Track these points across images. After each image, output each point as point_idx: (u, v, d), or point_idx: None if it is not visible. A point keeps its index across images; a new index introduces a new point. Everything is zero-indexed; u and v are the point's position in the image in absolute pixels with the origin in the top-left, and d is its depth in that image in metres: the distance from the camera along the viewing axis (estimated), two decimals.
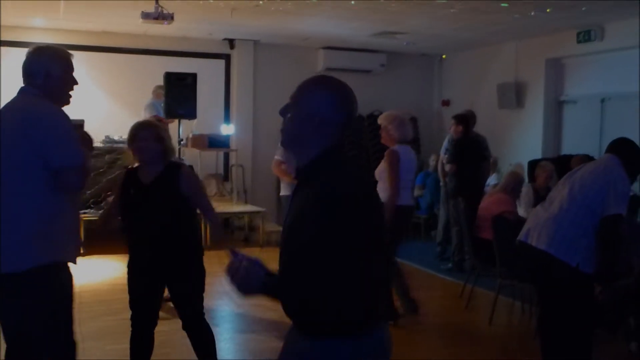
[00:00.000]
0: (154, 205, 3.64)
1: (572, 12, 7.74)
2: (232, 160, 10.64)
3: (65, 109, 3.12)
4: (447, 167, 8.00)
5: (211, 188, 9.89)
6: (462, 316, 6.21)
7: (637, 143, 4.10)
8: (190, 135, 9.20)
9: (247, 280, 1.98)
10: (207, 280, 3.91)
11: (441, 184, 8.61)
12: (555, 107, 9.85)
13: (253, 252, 2.27)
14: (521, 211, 6.58)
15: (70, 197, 3.10)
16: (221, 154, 10.35)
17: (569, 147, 9.33)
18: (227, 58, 10.91)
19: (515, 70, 10.16)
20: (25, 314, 2.97)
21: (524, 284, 5.60)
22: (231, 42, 10.75)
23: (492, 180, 8.88)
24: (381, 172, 5.40)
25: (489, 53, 10.72)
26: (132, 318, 3.82)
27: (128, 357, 3.87)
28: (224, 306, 6.22)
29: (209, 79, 10.15)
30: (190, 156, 8.95)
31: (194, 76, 8.68)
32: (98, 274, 7.36)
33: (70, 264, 3.15)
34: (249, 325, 5.83)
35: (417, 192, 10.06)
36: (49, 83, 3.06)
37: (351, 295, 1.94)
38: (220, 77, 10.91)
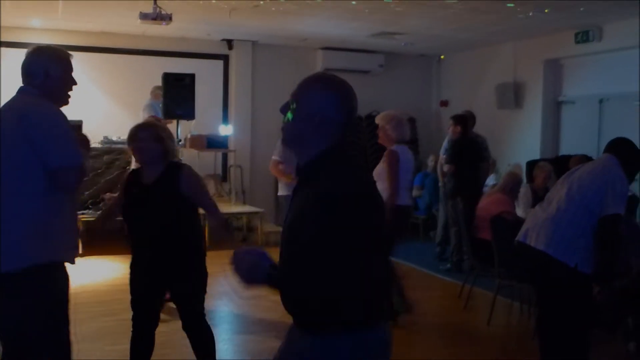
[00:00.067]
0: (155, 206, 3.64)
1: (570, 12, 7.75)
2: (231, 161, 10.65)
3: (64, 109, 3.12)
4: (446, 168, 8.00)
5: (209, 188, 9.88)
6: (460, 316, 6.21)
7: (636, 143, 4.11)
8: (189, 136, 9.20)
9: (253, 270, 1.99)
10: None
11: (440, 184, 8.61)
12: (554, 108, 9.86)
13: None
14: (520, 211, 6.59)
15: (68, 197, 3.10)
16: (219, 154, 10.34)
17: (567, 148, 9.34)
18: (225, 59, 10.91)
19: (513, 71, 10.17)
20: (21, 314, 2.96)
21: (523, 284, 5.60)
22: (229, 43, 10.75)
23: (490, 180, 8.88)
24: (380, 172, 5.40)
25: (487, 53, 10.73)
26: (133, 318, 3.82)
27: (127, 358, 3.87)
28: (223, 307, 6.22)
29: (207, 79, 10.16)
30: (188, 157, 8.94)
31: (192, 77, 8.68)
32: (97, 275, 7.35)
33: (68, 265, 3.15)
34: (248, 326, 5.82)
35: (415, 193, 10.07)
36: (48, 83, 3.06)
37: (351, 293, 1.95)
38: (219, 77, 10.91)
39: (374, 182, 2.14)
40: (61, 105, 3.11)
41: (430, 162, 10.30)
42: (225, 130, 10.18)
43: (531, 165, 8.01)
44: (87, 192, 8.27)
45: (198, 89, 8.75)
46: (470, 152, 7.78)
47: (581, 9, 7.56)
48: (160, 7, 7.23)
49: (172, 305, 3.95)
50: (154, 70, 9.27)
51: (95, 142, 8.82)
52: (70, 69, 3.18)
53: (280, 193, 7.06)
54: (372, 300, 2.05)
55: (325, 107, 2.04)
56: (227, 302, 6.38)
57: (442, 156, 8.41)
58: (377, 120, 5.67)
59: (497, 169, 9.58)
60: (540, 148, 9.73)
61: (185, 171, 3.71)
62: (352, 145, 10.79)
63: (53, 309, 3.07)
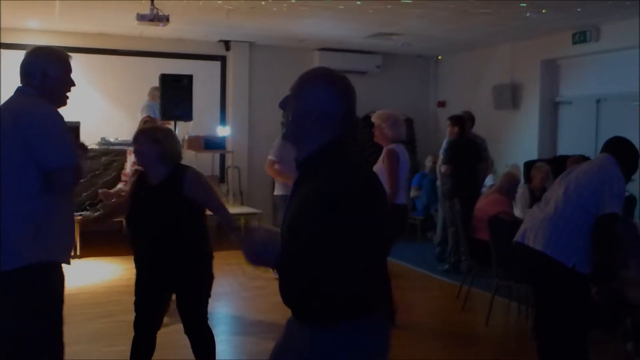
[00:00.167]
0: (159, 208, 3.66)
1: (567, 13, 7.75)
2: (228, 162, 10.64)
3: (61, 110, 3.11)
4: (443, 169, 8.00)
5: None
6: (458, 317, 6.21)
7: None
8: (186, 137, 9.20)
9: (263, 251, 1.98)
10: None
11: (438, 183, 8.61)
12: (551, 108, 9.87)
13: None
14: (517, 212, 6.59)
15: (65, 198, 3.10)
16: (217, 155, 10.34)
17: (564, 148, 9.35)
18: (222, 60, 10.91)
19: (510, 72, 10.18)
20: (17, 313, 2.97)
21: (521, 285, 5.61)
22: (227, 44, 10.74)
23: (489, 181, 8.89)
24: (378, 171, 5.38)
25: (484, 54, 10.74)
26: (135, 320, 3.80)
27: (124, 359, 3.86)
28: (221, 308, 6.21)
29: (204, 80, 10.15)
30: (186, 158, 8.91)
31: (189, 78, 8.68)
32: (94, 276, 7.34)
33: (65, 265, 3.15)
34: (245, 327, 5.82)
35: (413, 193, 10.08)
36: (47, 83, 3.06)
37: (352, 286, 1.95)
38: (216, 78, 10.91)
39: (375, 176, 2.12)
40: (59, 106, 3.11)
41: (428, 162, 10.30)
42: (223, 131, 10.19)
43: (529, 165, 8.01)
44: (84, 194, 8.26)
45: (195, 90, 8.74)
46: (468, 153, 7.77)
47: (578, 9, 7.57)
48: (157, 8, 7.23)
49: (174, 306, 3.92)
50: (151, 72, 9.26)
51: (92, 143, 8.81)
52: (69, 69, 3.17)
53: (276, 193, 7.06)
54: (372, 291, 2.05)
55: (324, 101, 2.04)
56: (225, 302, 6.37)
57: (442, 157, 8.41)
58: (374, 118, 5.62)
59: (495, 170, 9.59)
60: (538, 148, 9.73)
61: (190, 173, 3.71)
62: (351, 142, 10.78)
63: (48, 308, 3.07)
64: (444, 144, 8.40)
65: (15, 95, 3.07)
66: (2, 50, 8.86)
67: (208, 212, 3.85)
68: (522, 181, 7.72)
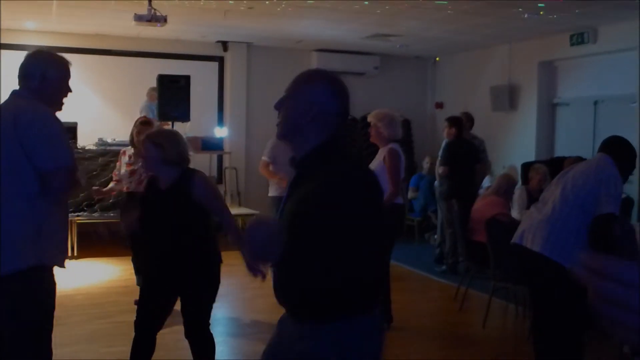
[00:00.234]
0: (167, 211, 3.66)
1: (565, 14, 7.76)
2: (226, 163, 10.63)
3: (58, 112, 3.11)
4: (440, 170, 8.00)
5: None
6: (456, 318, 6.21)
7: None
8: (184, 138, 9.18)
9: (268, 245, 1.87)
10: None
11: (436, 184, 8.61)
12: (549, 110, 9.88)
13: None
14: (515, 213, 6.59)
15: (60, 200, 3.09)
16: (215, 156, 10.32)
17: (562, 150, 9.35)
18: (220, 60, 10.91)
19: (508, 73, 10.18)
20: (10, 316, 2.96)
21: (518, 286, 5.61)
22: (224, 45, 10.74)
23: (486, 182, 8.89)
24: (377, 171, 5.38)
25: (482, 56, 10.75)
26: (137, 321, 3.78)
27: None
28: (218, 309, 6.16)
29: (202, 81, 10.14)
30: None
31: (187, 78, 8.67)
32: (91, 277, 7.32)
33: (60, 268, 3.14)
34: (242, 328, 5.82)
35: (411, 195, 10.08)
36: (45, 86, 3.05)
37: (350, 283, 1.96)
38: (214, 79, 10.91)
39: (374, 175, 2.11)
40: (55, 111, 3.10)
41: (425, 164, 10.31)
42: (221, 132, 10.18)
43: (526, 167, 8.01)
44: (81, 194, 8.25)
45: (193, 90, 8.74)
46: (465, 154, 7.78)
47: (576, 11, 7.58)
48: (155, 9, 7.22)
49: (176, 308, 3.89)
50: (148, 72, 9.26)
51: (90, 144, 8.81)
52: (68, 75, 3.17)
53: (270, 194, 7.04)
54: (368, 287, 2.05)
55: (321, 99, 2.06)
56: (222, 304, 6.35)
57: (440, 158, 8.41)
58: (370, 118, 5.58)
59: (492, 171, 9.59)
60: (535, 150, 9.73)
61: (198, 178, 3.71)
62: (351, 143, 10.79)
63: (40, 312, 3.06)
64: (443, 145, 8.41)
65: (11, 98, 3.06)
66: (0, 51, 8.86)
67: None
68: (520, 182, 7.72)
